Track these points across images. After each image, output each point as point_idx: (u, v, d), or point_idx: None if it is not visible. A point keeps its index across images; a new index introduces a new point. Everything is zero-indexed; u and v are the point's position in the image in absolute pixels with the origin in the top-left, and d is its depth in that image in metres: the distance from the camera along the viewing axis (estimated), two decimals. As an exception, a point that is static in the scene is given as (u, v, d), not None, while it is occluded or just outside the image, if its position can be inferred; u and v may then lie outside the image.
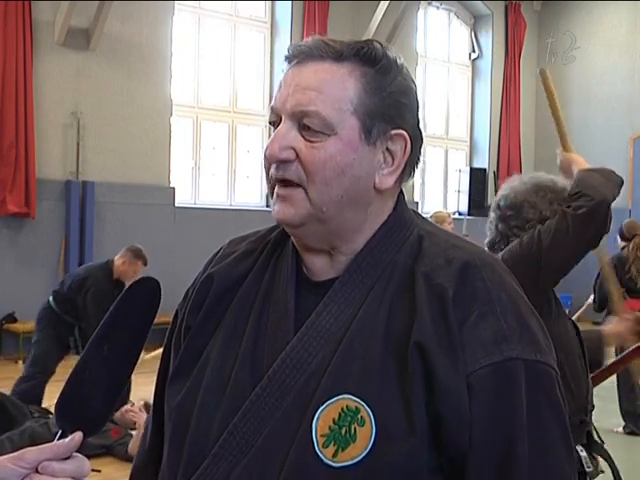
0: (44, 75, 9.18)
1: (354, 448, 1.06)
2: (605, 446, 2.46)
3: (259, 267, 1.25)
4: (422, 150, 1.22)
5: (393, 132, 1.16)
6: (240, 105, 11.24)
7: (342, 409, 1.08)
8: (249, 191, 11.26)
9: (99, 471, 4.70)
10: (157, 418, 1.30)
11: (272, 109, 1.18)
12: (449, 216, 7.34)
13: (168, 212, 10.11)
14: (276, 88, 1.19)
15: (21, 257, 8.78)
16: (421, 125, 1.21)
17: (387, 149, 1.16)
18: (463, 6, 14.06)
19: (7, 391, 5.80)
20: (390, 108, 1.15)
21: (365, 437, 1.06)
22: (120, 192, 9.65)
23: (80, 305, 6.07)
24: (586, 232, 2.31)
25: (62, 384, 1.04)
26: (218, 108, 11.05)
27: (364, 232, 1.18)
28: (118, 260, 6.31)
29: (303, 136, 1.13)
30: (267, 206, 10.85)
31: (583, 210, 2.29)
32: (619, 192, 2.43)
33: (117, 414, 5.14)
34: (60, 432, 1.00)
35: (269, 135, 1.19)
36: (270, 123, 1.19)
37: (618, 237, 6.76)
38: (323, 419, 1.08)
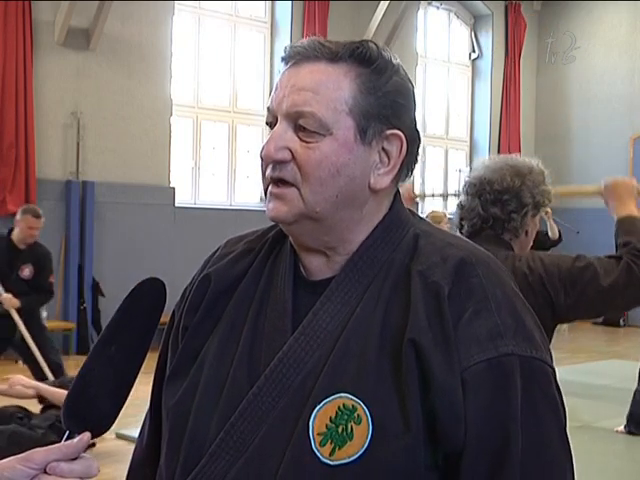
0: (44, 75, 9.18)
1: (351, 446, 1.06)
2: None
3: (256, 267, 1.25)
4: (420, 150, 1.23)
5: (389, 132, 1.16)
6: (240, 105, 11.25)
7: (339, 407, 1.08)
8: (249, 191, 11.27)
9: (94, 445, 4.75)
10: (154, 417, 1.31)
11: (268, 110, 1.18)
12: (445, 216, 7.34)
13: (168, 212, 10.11)
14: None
15: (21, 257, 8.79)
16: (420, 125, 1.22)
17: (383, 149, 1.17)
18: (463, 6, 14.07)
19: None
20: (386, 108, 1.16)
21: (362, 435, 1.06)
22: (120, 192, 9.66)
23: None
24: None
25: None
26: (218, 108, 11.06)
27: (360, 232, 1.18)
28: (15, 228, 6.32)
29: (299, 137, 1.14)
30: (267, 206, 10.85)
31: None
32: None
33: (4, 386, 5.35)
34: (67, 433, 1.01)
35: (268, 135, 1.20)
36: (267, 124, 1.19)
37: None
38: (320, 418, 1.08)
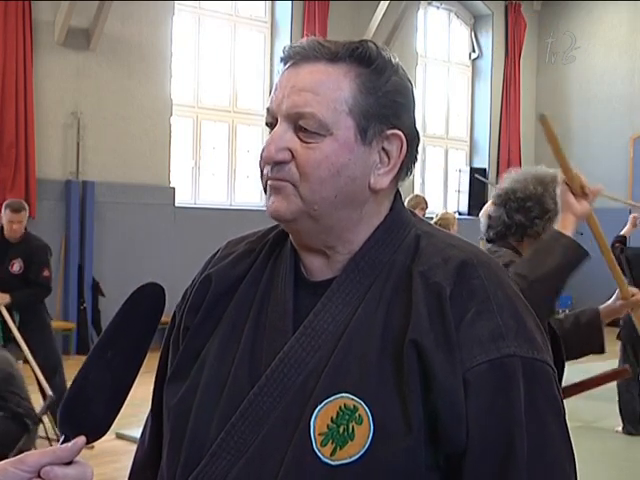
0: (44, 75, 9.18)
1: (352, 446, 1.06)
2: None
3: (257, 268, 1.25)
4: (420, 149, 1.23)
5: (389, 132, 1.16)
6: (240, 105, 11.24)
7: (340, 408, 1.08)
8: (249, 191, 11.26)
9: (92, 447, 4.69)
10: (155, 418, 1.31)
11: (268, 111, 1.18)
12: (455, 219, 7.30)
13: (168, 212, 10.11)
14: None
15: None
16: (420, 125, 1.22)
17: (383, 149, 1.17)
18: (463, 6, 14.06)
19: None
20: (385, 108, 1.16)
21: (363, 435, 1.06)
22: (120, 192, 9.65)
23: None
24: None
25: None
26: (218, 108, 11.05)
27: (360, 232, 1.18)
28: None
29: (299, 137, 1.14)
30: (267, 206, 10.84)
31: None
32: (564, 283, 2.19)
33: None
34: (63, 437, 1.00)
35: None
36: (266, 124, 1.19)
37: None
38: (321, 418, 1.08)
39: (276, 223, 1.25)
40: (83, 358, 1.07)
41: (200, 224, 10.14)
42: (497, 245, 2.58)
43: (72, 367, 7.40)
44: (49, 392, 5.54)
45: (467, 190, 13.15)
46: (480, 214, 2.77)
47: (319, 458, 1.07)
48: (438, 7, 13.75)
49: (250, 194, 11.23)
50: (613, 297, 2.75)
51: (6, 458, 0.97)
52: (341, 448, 1.07)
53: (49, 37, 9.20)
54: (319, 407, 1.09)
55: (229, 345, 1.20)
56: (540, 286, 2.11)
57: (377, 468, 1.06)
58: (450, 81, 14.05)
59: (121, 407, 1.06)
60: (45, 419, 5.41)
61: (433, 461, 1.08)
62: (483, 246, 2.57)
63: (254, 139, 11.30)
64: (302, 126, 1.13)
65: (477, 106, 14.33)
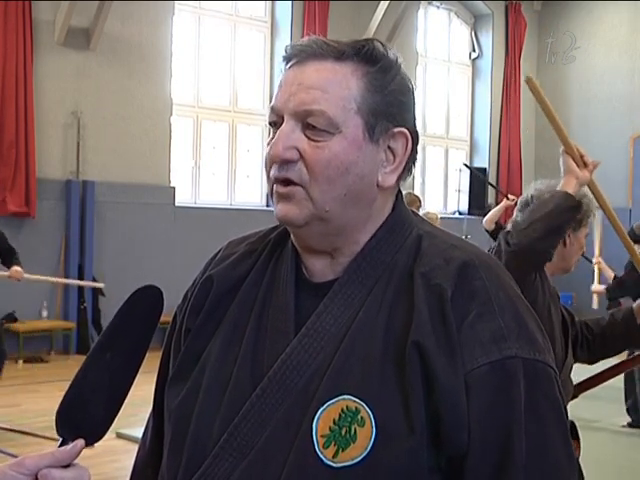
0: (44, 75, 9.18)
1: (354, 448, 1.06)
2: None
3: (258, 269, 1.25)
4: (420, 149, 1.23)
5: (395, 130, 1.16)
6: (240, 105, 11.24)
7: (342, 409, 1.08)
8: (249, 191, 11.27)
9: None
10: (157, 419, 1.30)
11: (272, 109, 1.17)
12: (437, 218, 7.38)
13: (168, 212, 10.11)
14: (276, 88, 1.19)
15: (21, 257, 8.75)
16: (420, 124, 1.22)
17: (389, 147, 1.17)
18: (463, 6, 14.06)
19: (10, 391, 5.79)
20: (392, 106, 1.16)
21: (365, 437, 1.06)
22: (120, 192, 9.66)
23: None
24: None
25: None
26: (218, 108, 11.05)
27: (366, 231, 1.18)
28: None
29: (307, 135, 1.13)
30: (268, 206, 10.85)
31: (513, 249, 2.40)
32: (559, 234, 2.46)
33: None
34: (61, 440, 1.00)
35: (269, 135, 1.19)
36: (270, 124, 1.18)
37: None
38: (323, 420, 1.08)
39: (277, 223, 1.24)
40: (83, 358, 1.07)
41: (200, 224, 10.14)
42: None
43: (72, 367, 7.46)
44: None
45: (467, 190, 13.15)
46: (484, 221, 2.86)
47: (321, 460, 1.07)
48: (438, 7, 13.75)
49: (250, 194, 11.24)
50: None
51: None
52: (343, 450, 1.06)
53: (49, 37, 9.21)
54: (321, 409, 1.08)
55: (231, 346, 1.20)
56: (539, 225, 2.41)
57: (379, 470, 1.06)
58: (450, 81, 14.05)
59: (119, 409, 1.05)
60: (47, 418, 5.41)
61: (435, 463, 1.07)
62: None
63: (254, 139, 11.30)
64: (310, 124, 1.13)
65: (477, 106, 14.33)
